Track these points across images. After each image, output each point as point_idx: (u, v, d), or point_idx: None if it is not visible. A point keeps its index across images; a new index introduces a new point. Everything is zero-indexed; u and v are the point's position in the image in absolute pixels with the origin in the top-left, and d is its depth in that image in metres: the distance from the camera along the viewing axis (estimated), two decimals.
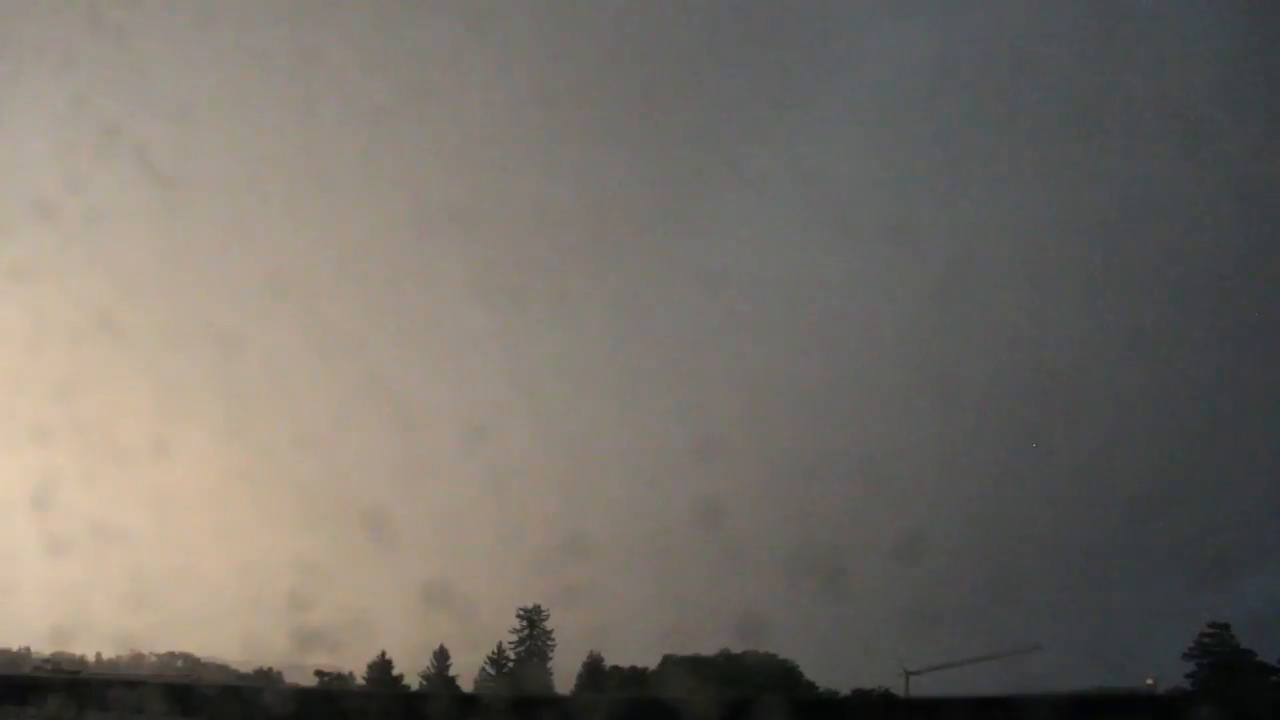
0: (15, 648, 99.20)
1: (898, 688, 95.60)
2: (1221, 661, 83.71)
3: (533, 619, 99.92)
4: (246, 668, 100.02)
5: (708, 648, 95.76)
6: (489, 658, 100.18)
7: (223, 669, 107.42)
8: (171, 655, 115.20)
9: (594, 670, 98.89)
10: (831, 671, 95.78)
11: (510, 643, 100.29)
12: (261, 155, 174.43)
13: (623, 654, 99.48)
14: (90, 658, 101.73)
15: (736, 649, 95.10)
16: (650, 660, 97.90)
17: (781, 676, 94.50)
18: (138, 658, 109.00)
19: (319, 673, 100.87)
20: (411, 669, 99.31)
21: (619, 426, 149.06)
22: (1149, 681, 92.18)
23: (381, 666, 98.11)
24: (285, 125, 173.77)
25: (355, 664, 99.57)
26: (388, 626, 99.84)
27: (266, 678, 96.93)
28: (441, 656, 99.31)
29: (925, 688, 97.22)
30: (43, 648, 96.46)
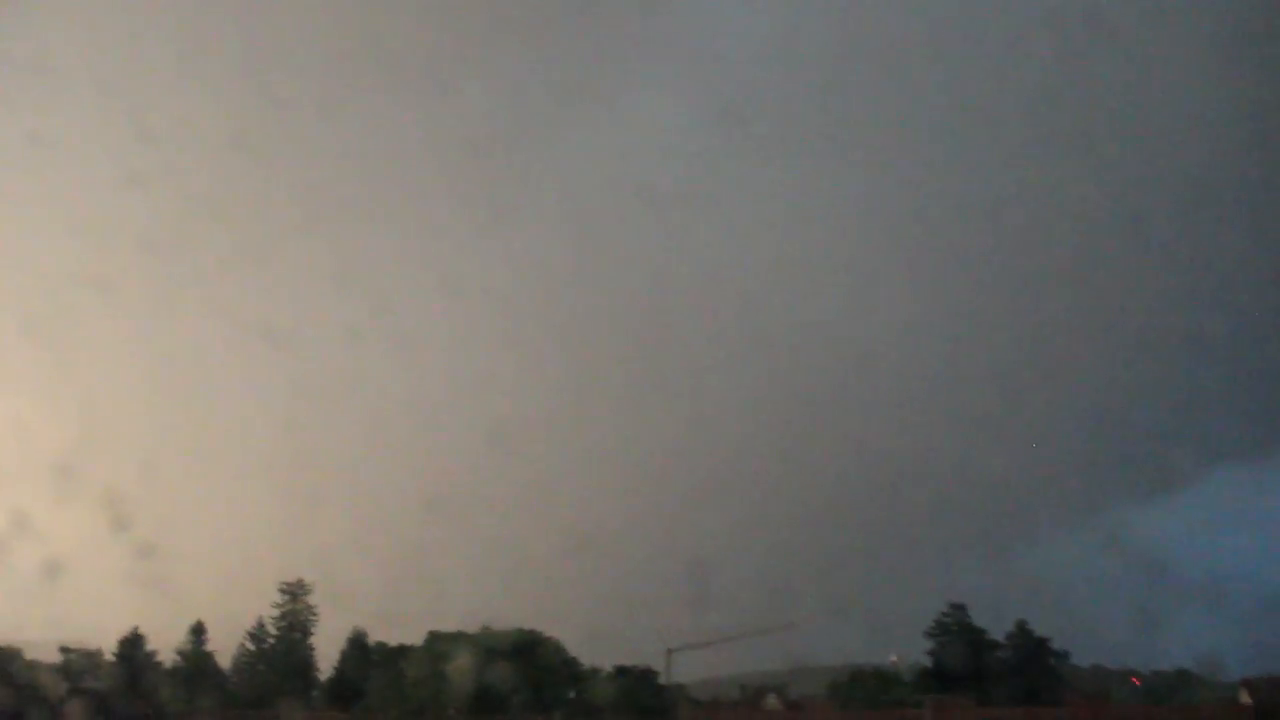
0: None
1: (660, 665, 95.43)
2: (958, 638, 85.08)
3: (295, 593, 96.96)
4: None
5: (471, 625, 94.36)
6: (249, 633, 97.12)
7: None
8: None
9: (357, 646, 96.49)
10: (594, 649, 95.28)
11: (272, 618, 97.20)
12: None
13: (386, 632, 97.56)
14: None
15: (500, 626, 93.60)
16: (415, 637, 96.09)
17: (543, 651, 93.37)
18: None
19: (64, 649, 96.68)
20: (166, 645, 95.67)
21: None
22: (892, 659, 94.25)
23: (133, 642, 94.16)
24: None
25: (105, 639, 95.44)
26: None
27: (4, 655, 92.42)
28: (198, 631, 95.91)
29: (687, 665, 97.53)
30: None
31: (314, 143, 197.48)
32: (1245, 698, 71.80)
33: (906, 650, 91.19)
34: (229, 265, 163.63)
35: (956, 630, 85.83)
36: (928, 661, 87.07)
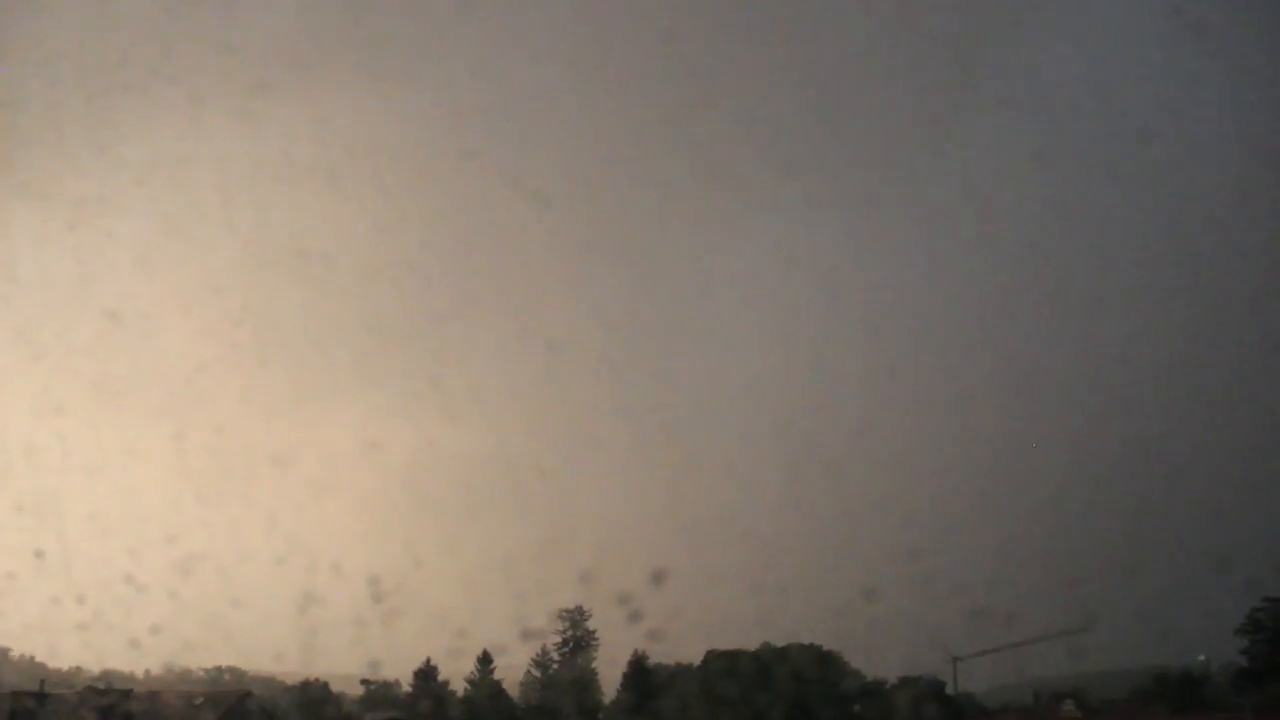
0: (65, 667, 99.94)
1: (945, 675, 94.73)
2: (1275, 636, 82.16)
3: (575, 619, 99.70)
4: (293, 679, 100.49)
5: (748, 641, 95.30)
6: (533, 659, 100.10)
7: (269, 682, 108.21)
8: (219, 670, 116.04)
9: (639, 669, 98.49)
10: (875, 660, 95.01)
11: (554, 644, 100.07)
12: None
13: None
14: (139, 674, 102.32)
15: (778, 642, 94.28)
16: (694, 656, 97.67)
17: (826, 667, 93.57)
18: (185, 674, 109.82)
19: (365, 681, 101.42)
20: (456, 674, 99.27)
21: None
22: (1201, 658, 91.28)
23: (426, 673, 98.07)
24: None
25: (402, 671, 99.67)
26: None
27: (313, 689, 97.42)
28: (485, 661, 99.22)
29: (973, 673, 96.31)
30: (92, 666, 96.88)
31: None
32: None
33: (1217, 651, 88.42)
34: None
35: (1273, 626, 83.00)
36: (1242, 661, 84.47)
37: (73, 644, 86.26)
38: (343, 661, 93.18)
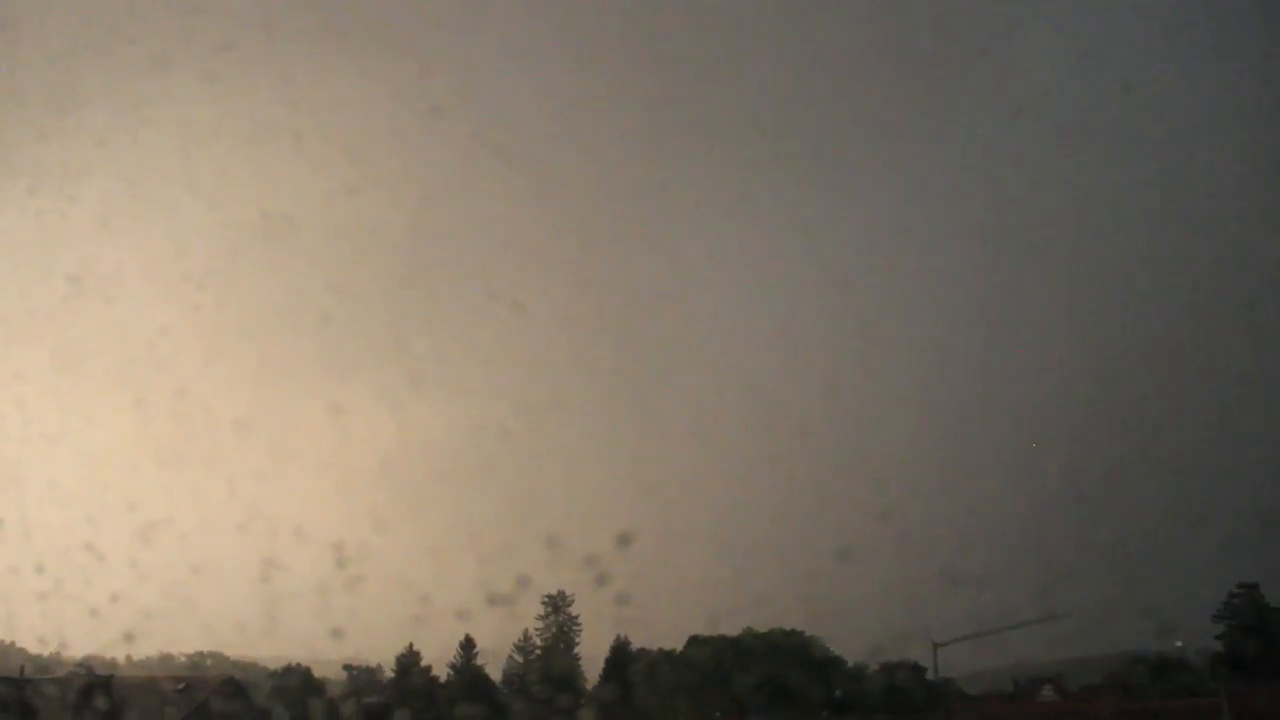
0: (46, 652, 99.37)
1: (926, 659, 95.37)
2: (1250, 622, 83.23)
3: (557, 604, 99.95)
4: (276, 664, 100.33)
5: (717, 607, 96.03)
6: (516, 645, 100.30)
7: (251, 667, 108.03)
8: (200, 655, 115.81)
9: (620, 653, 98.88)
10: (856, 645, 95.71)
11: (536, 629, 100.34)
12: None
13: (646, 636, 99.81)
14: (121, 660, 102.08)
15: (760, 627, 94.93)
16: (676, 642, 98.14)
17: (808, 652, 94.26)
18: (167, 659, 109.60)
19: (348, 666, 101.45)
20: (439, 659, 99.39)
21: None
22: (1178, 644, 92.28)
23: (410, 658, 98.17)
24: None
25: (384, 656, 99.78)
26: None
27: (295, 674, 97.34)
28: (468, 646, 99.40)
29: (954, 658, 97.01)
30: (74, 651, 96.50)
31: None
32: None
33: (1192, 636, 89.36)
34: None
35: (1248, 612, 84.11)
36: (1218, 646, 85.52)
37: (31, 613, 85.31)
38: (305, 630, 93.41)
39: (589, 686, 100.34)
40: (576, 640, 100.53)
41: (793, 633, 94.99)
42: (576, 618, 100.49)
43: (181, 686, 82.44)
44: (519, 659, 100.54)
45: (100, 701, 74.94)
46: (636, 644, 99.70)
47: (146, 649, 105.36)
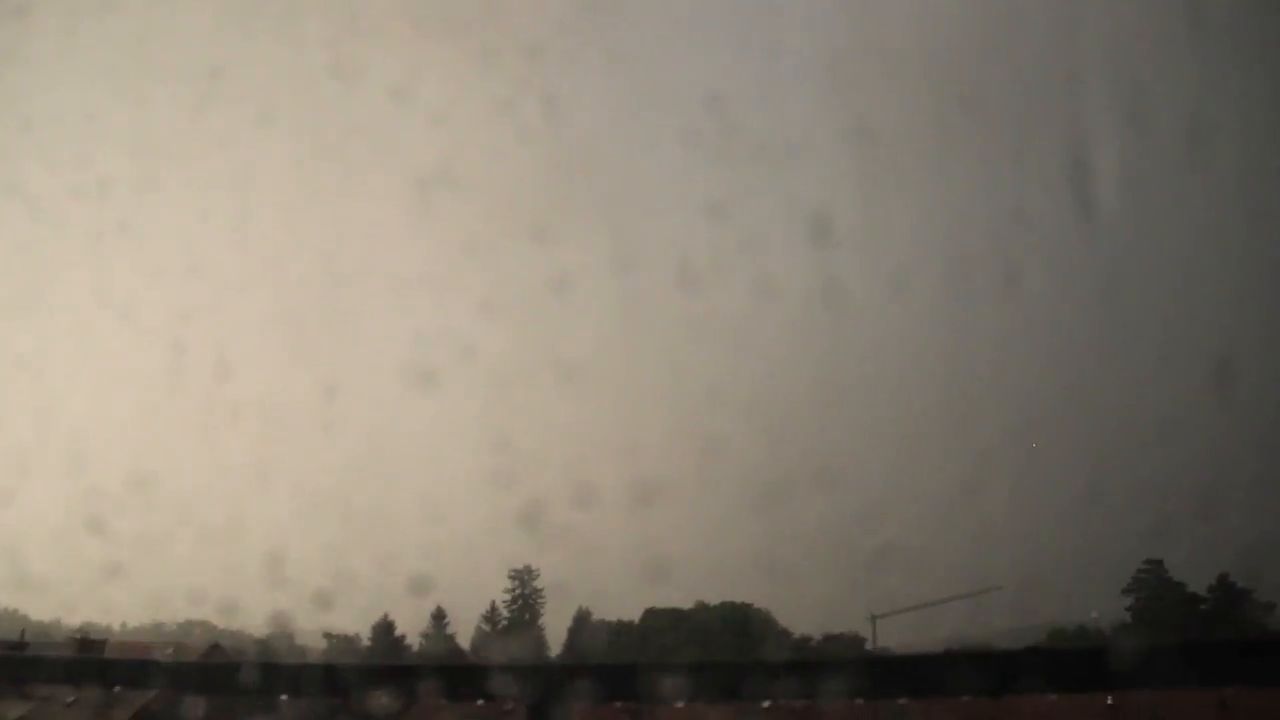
0: (46, 619, 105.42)
1: (866, 631, 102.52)
2: (1156, 594, 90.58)
3: (524, 578, 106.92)
4: (261, 634, 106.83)
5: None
6: (484, 616, 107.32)
7: (238, 634, 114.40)
8: (189, 623, 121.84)
9: (582, 625, 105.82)
10: (802, 618, 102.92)
11: (504, 602, 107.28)
12: None
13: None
14: (116, 627, 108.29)
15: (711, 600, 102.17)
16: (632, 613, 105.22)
17: (758, 625, 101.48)
18: (158, 626, 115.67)
19: (327, 635, 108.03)
20: (412, 630, 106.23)
21: None
22: (1094, 615, 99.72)
23: (385, 628, 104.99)
24: None
25: (361, 626, 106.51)
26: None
27: (278, 639, 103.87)
28: (439, 617, 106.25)
29: (892, 631, 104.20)
30: (72, 618, 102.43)
31: None
32: None
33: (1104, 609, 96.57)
34: None
35: (1155, 585, 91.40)
36: (1128, 618, 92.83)
37: (37, 580, 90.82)
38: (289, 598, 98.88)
39: (553, 656, 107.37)
40: (541, 613, 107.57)
41: (741, 606, 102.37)
42: (542, 590, 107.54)
43: (169, 651, 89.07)
44: (487, 628, 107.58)
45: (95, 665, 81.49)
46: (597, 617, 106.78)
47: (141, 618, 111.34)
